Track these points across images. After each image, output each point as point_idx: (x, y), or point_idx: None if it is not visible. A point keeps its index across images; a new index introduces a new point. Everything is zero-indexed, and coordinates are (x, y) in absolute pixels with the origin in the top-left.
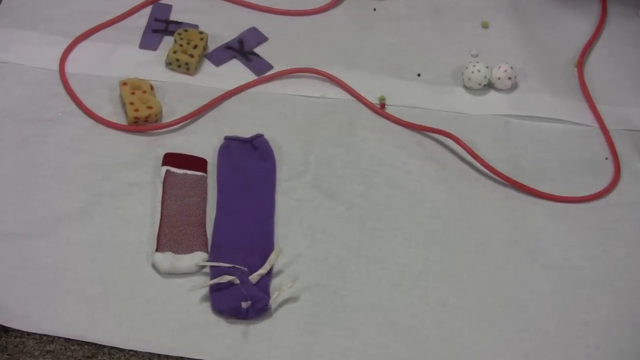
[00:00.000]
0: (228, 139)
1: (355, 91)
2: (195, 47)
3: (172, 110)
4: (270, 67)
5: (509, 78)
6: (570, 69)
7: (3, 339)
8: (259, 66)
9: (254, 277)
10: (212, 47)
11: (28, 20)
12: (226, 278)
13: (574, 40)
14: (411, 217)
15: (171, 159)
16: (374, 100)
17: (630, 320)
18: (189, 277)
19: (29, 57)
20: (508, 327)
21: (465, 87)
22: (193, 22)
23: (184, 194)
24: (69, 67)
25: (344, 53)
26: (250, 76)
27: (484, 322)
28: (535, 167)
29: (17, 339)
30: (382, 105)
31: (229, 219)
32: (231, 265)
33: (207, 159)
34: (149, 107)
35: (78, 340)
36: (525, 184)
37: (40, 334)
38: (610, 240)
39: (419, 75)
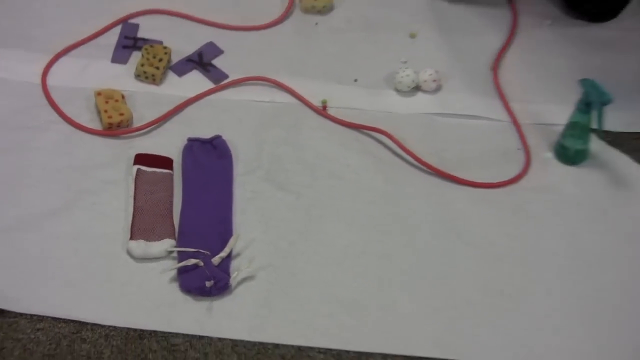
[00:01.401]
0: (191, 140)
1: (300, 95)
2: (160, 60)
3: (141, 116)
4: (226, 76)
5: (434, 81)
6: (487, 72)
7: None
8: (216, 76)
9: (215, 260)
10: (175, 59)
11: (12, 39)
12: (192, 261)
13: (489, 47)
14: (351, 204)
15: (141, 159)
16: (317, 103)
17: (542, 287)
18: (159, 261)
19: (14, 72)
20: (436, 296)
21: (396, 90)
22: (158, 39)
23: (153, 189)
24: (50, 80)
25: (290, 62)
26: (208, 85)
27: (415, 293)
28: (458, 158)
29: (11, 319)
30: (324, 108)
31: (192, 209)
32: (196, 250)
33: (173, 158)
34: (121, 114)
35: (64, 319)
36: (450, 173)
37: (30, 314)
38: (522, 219)
39: (355, 80)
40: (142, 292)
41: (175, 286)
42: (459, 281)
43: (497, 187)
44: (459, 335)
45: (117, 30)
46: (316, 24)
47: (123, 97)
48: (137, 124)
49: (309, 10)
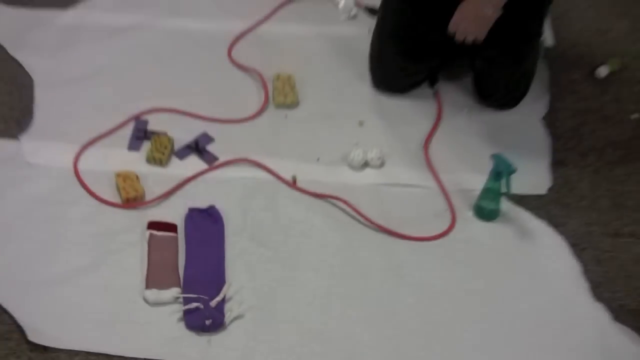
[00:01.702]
0: (191, 209)
1: (275, 172)
2: (165, 147)
3: (151, 191)
4: (216, 158)
5: (379, 158)
6: (420, 151)
7: (44, 354)
8: (209, 158)
9: (213, 303)
10: (177, 147)
11: (50, 134)
12: (194, 305)
13: (421, 131)
14: (317, 257)
15: (153, 225)
16: (288, 178)
17: (469, 317)
18: (169, 305)
19: (53, 160)
20: (386, 327)
21: (349, 166)
22: (163, 131)
23: (163, 249)
24: (80, 165)
25: (266, 146)
26: (203, 166)
27: (369, 324)
28: (400, 218)
29: (53, 353)
30: (294, 181)
31: (193, 264)
32: (197, 296)
33: (177, 224)
34: (136, 191)
35: (95, 352)
36: (394, 230)
37: (68, 349)
38: (451, 264)
39: (318, 159)
40: (156, 330)
41: (181, 324)
42: (404, 315)
43: (431, 240)
44: (404, 357)
45: (131, 125)
46: (286, 116)
47: (137, 177)
48: (148, 197)
49: (280, 106)
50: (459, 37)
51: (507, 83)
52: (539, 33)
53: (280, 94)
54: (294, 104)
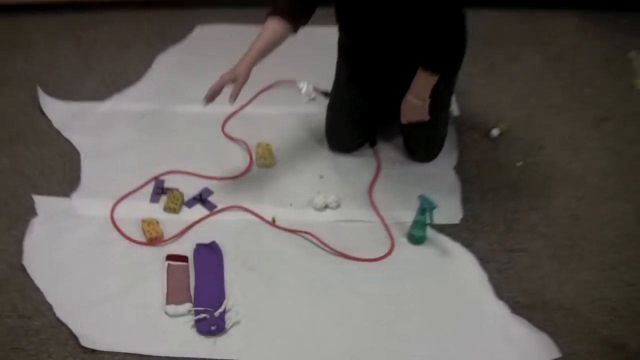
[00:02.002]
0: (198, 245)
1: (259, 215)
2: (177, 200)
3: (168, 232)
4: (215, 206)
5: (336, 202)
6: (365, 195)
7: (92, 355)
8: (210, 207)
9: (216, 313)
10: (186, 199)
11: (93, 193)
12: (202, 315)
13: (365, 180)
14: (293, 277)
15: (170, 257)
16: (269, 218)
17: (408, 319)
18: (184, 316)
19: (94, 211)
20: (345, 327)
21: (314, 208)
22: (176, 187)
23: (178, 275)
24: (115, 215)
25: (252, 196)
26: (205, 212)
27: (333, 325)
28: (353, 245)
29: (99, 355)
30: (274, 221)
31: (201, 285)
32: (204, 309)
33: (188, 256)
34: (157, 232)
35: (131, 353)
36: (349, 254)
37: (110, 352)
38: (393, 279)
39: (290, 204)
40: (174, 334)
41: (193, 330)
42: (359, 317)
43: (376, 260)
44: (360, 348)
45: (152, 184)
46: (266, 173)
47: (158, 222)
48: (166, 237)
49: (261, 166)
50: (410, 122)
51: (426, 143)
52: (448, 104)
53: (261, 158)
54: (272, 165)
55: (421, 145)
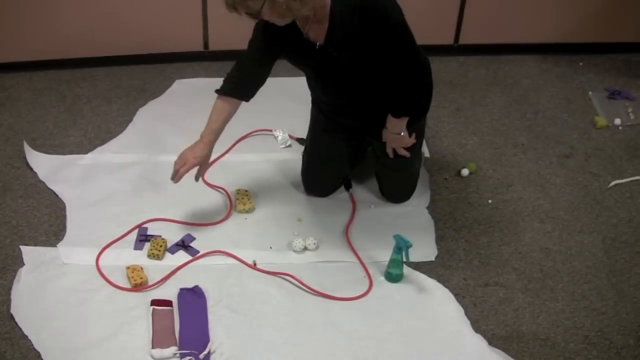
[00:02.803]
0: (181, 289)
1: (240, 259)
2: (160, 246)
3: (152, 278)
4: (197, 252)
5: (314, 243)
6: (342, 236)
7: None
8: (192, 252)
9: (201, 356)
10: (169, 245)
11: (79, 242)
12: (187, 358)
13: (342, 222)
14: (274, 317)
15: (155, 302)
16: (250, 262)
17: (387, 353)
18: (170, 359)
19: (80, 260)
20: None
21: (293, 251)
22: (159, 234)
23: (163, 319)
24: (100, 262)
25: (233, 241)
26: (188, 258)
27: (318, 356)
28: (332, 284)
29: None
30: (255, 264)
31: (185, 328)
32: (189, 351)
33: (172, 300)
34: (141, 278)
35: None
36: (328, 294)
37: None
38: (372, 315)
39: (270, 247)
40: None
41: None
42: (340, 353)
43: (356, 299)
44: None
45: (136, 232)
46: (246, 218)
47: (142, 268)
48: (151, 282)
49: (241, 212)
50: (397, 150)
51: (400, 184)
52: (418, 146)
53: (241, 203)
54: (251, 210)
55: (395, 186)
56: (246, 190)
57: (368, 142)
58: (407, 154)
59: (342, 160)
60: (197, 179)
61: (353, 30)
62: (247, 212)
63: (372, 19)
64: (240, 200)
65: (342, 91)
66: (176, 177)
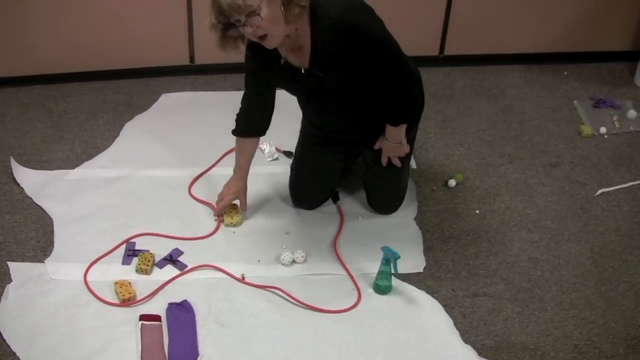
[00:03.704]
0: (170, 304)
1: (229, 272)
2: (148, 261)
3: (141, 293)
4: (185, 266)
5: (302, 256)
6: (330, 248)
7: None
8: (181, 267)
9: None
10: (157, 259)
11: (66, 257)
12: None
13: (330, 234)
14: (264, 331)
15: (144, 317)
16: (239, 276)
17: None
18: None
19: (68, 275)
20: None
21: (282, 264)
22: (146, 249)
23: (152, 334)
24: (89, 278)
25: (221, 255)
26: (176, 272)
27: None
28: (320, 297)
29: None
30: (243, 278)
31: (175, 343)
32: None
33: (161, 315)
34: (129, 293)
35: None
36: (317, 307)
37: None
38: (360, 326)
39: (259, 261)
40: None
41: None
42: None
43: (344, 311)
44: None
45: (124, 246)
46: (234, 232)
47: (130, 283)
48: (139, 297)
49: (228, 225)
50: (392, 160)
51: (388, 195)
52: (408, 157)
53: (228, 217)
54: (238, 223)
55: (385, 197)
56: (233, 204)
57: (358, 152)
58: (398, 163)
59: (331, 174)
60: (244, 209)
61: (337, 50)
62: (234, 225)
63: (355, 39)
64: (227, 213)
65: (333, 111)
66: (217, 214)
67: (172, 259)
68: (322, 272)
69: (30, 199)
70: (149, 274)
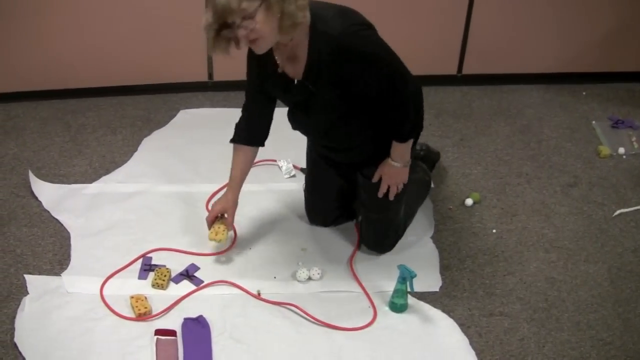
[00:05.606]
0: (185, 319)
1: (245, 289)
2: (165, 276)
3: (157, 307)
4: (202, 281)
5: (319, 273)
6: (347, 266)
7: None
8: (197, 282)
9: None
10: (173, 274)
11: (83, 271)
12: None
13: (346, 253)
14: (279, 348)
15: (159, 332)
16: (255, 292)
17: None
18: None
19: (85, 289)
20: None
21: (298, 280)
22: (162, 264)
23: (167, 349)
24: (105, 292)
25: (237, 271)
26: (192, 287)
27: None
28: (336, 314)
29: None
30: (259, 294)
31: (189, 357)
32: None
33: (176, 330)
34: (145, 307)
35: None
36: (333, 324)
37: None
38: (377, 344)
39: (275, 277)
40: None
41: None
42: None
43: (360, 329)
44: None
45: (140, 261)
46: (250, 249)
47: (146, 298)
48: (155, 312)
49: (212, 241)
50: (391, 188)
51: (379, 231)
52: (403, 191)
53: (213, 232)
54: (222, 241)
55: (375, 232)
56: (222, 220)
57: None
58: (393, 195)
59: (336, 193)
60: (229, 227)
61: (334, 69)
62: (218, 242)
63: (353, 60)
64: (214, 228)
65: (319, 127)
66: (208, 225)
67: (188, 274)
68: (338, 290)
69: (48, 212)
70: (165, 289)
